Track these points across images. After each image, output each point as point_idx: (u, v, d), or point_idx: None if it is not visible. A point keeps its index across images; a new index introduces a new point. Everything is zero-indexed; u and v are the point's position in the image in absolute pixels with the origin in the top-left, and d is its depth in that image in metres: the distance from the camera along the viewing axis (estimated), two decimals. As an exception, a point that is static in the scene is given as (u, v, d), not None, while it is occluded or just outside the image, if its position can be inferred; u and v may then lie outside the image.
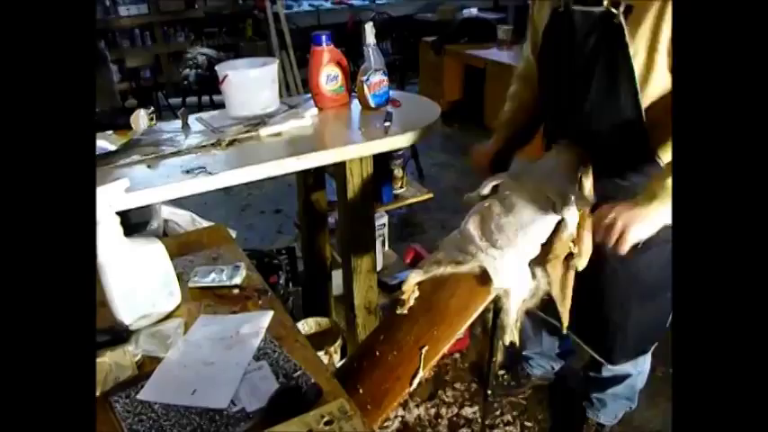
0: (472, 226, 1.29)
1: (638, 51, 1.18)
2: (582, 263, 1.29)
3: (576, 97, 1.31)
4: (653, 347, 1.64)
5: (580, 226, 1.27)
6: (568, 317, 1.36)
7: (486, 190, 1.36)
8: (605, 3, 1.19)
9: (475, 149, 1.62)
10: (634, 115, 1.23)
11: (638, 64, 1.19)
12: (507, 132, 1.58)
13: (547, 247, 1.26)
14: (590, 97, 1.28)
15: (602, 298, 1.48)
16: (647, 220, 1.12)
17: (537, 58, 1.46)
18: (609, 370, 1.70)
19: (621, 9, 1.17)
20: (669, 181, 1.12)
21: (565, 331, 1.40)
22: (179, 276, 1.23)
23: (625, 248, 1.14)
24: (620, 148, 1.30)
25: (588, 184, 1.31)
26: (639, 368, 1.72)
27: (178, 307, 1.21)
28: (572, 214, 1.23)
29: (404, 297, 1.31)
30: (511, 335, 1.33)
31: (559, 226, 1.24)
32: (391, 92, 1.94)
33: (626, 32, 1.17)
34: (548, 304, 1.34)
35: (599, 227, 1.18)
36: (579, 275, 1.32)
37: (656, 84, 1.19)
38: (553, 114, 1.46)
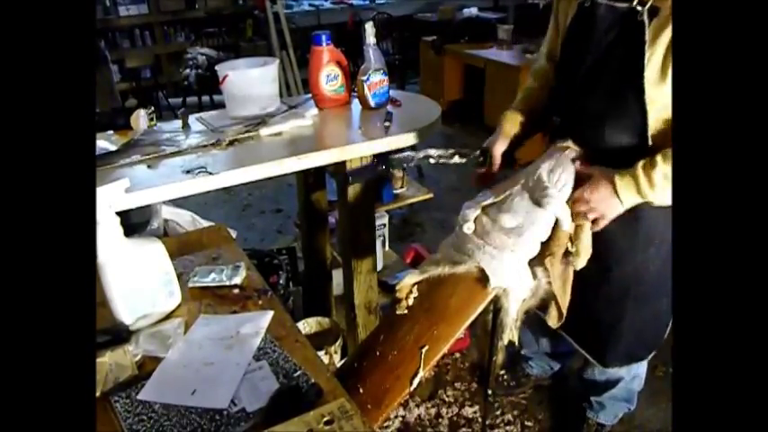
0: (468, 226, 1.30)
1: (654, 56, 1.17)
2: (580, 262, 1.28)
3: (585, 93, 1.31)
4: (650, 356, 1.61)
5: (579, 225, 1.26)
6: (564, 315, 1.36)
7: (487, 201, 1.33)
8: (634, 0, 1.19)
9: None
10: (639, 120, 1.22)
11: (652, 69, 1.18)
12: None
13: (545, 244, 1.26)
14: (597, 95, 1.28)
15: (595, 297, 1.47)
16: (621, 206, 1.22)
17: (560, 52, 1.43)
18: (603, 373, 1.69)
19: (647, 8, 1.17)
20: (652, 172, 1.17)
21: (555, 327, 1.38)
22: (179, 276, 1.23)
23: (599, 228, 1.25)
24: (622, 152, 1.27)
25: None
26: (633, 372, 1.71)
27: (178, 307, 1.21)
28: (562, 210, 1.24)
29: (399, 296, 1.31)
30: (510, 334, 1.33)
31: (557, 224, 1.24)
32: (391, 91, 1.94)
33: (647, 33, 1.17)
34: (543, 302, 1.33)
35: (574, 211, 1.25)
36: (573, 273, 1.32)
37: (667, 92, 1.17)
38: (562, 109, 1.43)
